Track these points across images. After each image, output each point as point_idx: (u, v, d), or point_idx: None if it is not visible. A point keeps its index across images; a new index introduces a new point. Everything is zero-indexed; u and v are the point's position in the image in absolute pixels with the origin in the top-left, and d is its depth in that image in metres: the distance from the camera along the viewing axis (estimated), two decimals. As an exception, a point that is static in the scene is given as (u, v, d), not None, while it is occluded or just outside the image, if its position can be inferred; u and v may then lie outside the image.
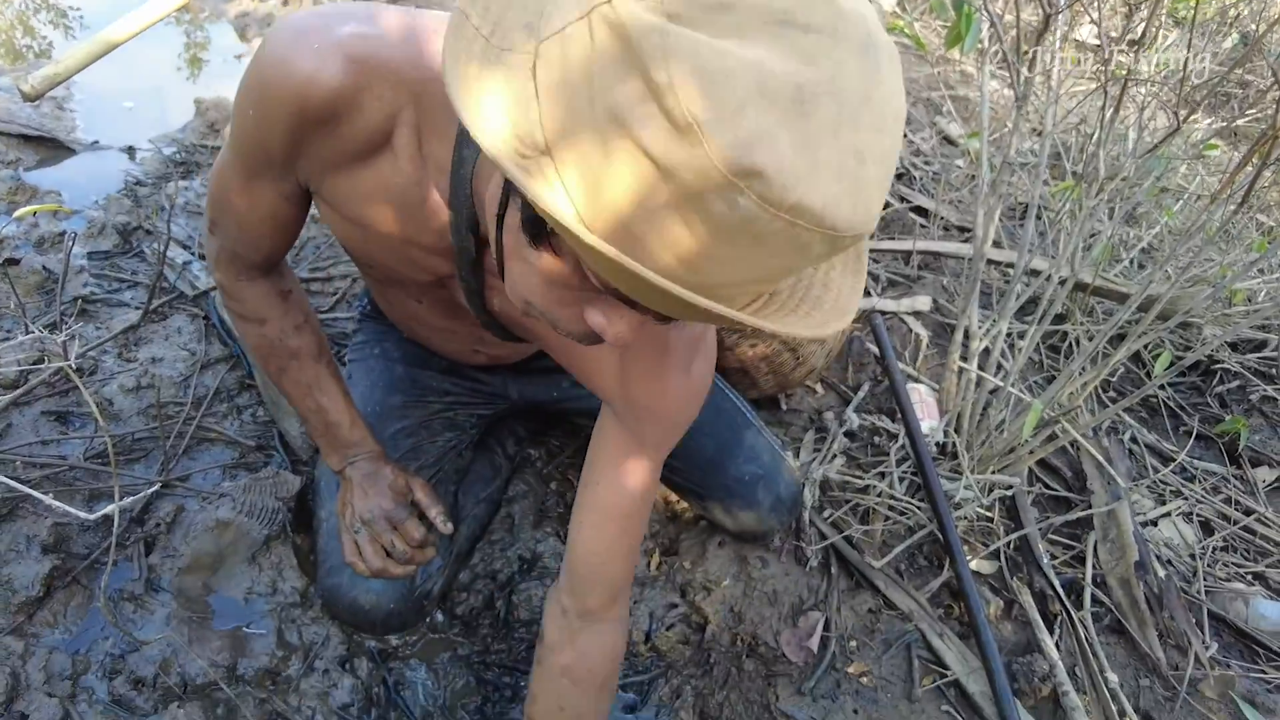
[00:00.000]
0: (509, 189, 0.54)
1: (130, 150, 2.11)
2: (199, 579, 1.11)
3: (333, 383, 1.00)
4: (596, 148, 0.40)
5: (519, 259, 0.55)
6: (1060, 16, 1.31)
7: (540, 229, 0.49)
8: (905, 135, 2.36)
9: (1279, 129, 1.02)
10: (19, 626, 1.02)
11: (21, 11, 2.99)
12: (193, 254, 1.67)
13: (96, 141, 2.14)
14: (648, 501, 0.88)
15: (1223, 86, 2.82)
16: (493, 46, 0.43)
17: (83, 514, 0.66)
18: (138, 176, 1.96)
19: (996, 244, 1.98)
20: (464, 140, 0.66)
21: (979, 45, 1.32)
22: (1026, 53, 1.31)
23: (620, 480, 0.84)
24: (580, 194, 0.41)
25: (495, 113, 0.43)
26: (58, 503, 0.68)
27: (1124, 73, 1.40)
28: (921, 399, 1.49)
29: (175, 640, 1.04)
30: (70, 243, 1.53)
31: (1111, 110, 1.33)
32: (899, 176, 2.21)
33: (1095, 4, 1.32)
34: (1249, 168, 1.27)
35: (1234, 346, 1.87)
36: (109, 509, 0.86)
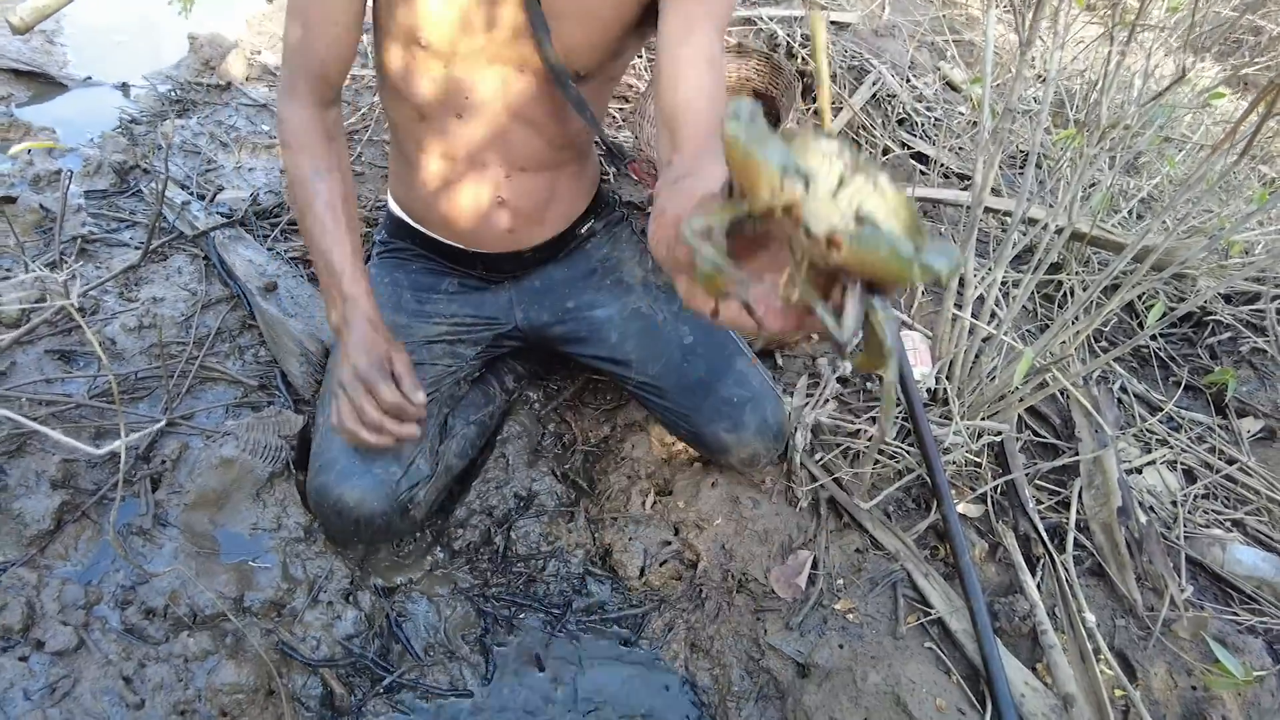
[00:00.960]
0: None
1: (124, 87, 2.08)
2: (205, 514, 1.14)
3: (344, 234, 1.06)
4: None
5: None
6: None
7: None
8: (909, 80, 2.32)
9: (1281, 79, 1.01)
10: (32, 559, 1.06)
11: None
12: (191, 194, 1.66)
13: (89, 77, 2.11)
14: (722, 60, 0.93)
15: (1233, 33, 2.76)
16: None
17: (91, 449, 0.68)
18: (133, 114, 1.94)
19: (996, 192, 1.97)
20: None
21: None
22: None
23: (700, 39, 0.89)
24: None
25: None
26: (66, 438, 0.70)
27: (1131, 18, 1.38)
28: (915, 345, 1.51)
29: (183, 573, 1.08)
30: (67, 181, 1.53)
31: (1117, 57, 1.31)
32: (900, 122, 2.18)
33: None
34: (1253, 117, 1.26)
35: (1227, 298, 1.89)
36: (115, 445, 0.88)
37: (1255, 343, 1.81)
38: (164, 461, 1.18)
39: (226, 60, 2.11)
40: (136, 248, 1.52)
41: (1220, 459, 1.59)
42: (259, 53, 2.21)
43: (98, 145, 1.80)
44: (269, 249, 1.53)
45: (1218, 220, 1.71)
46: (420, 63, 1.05)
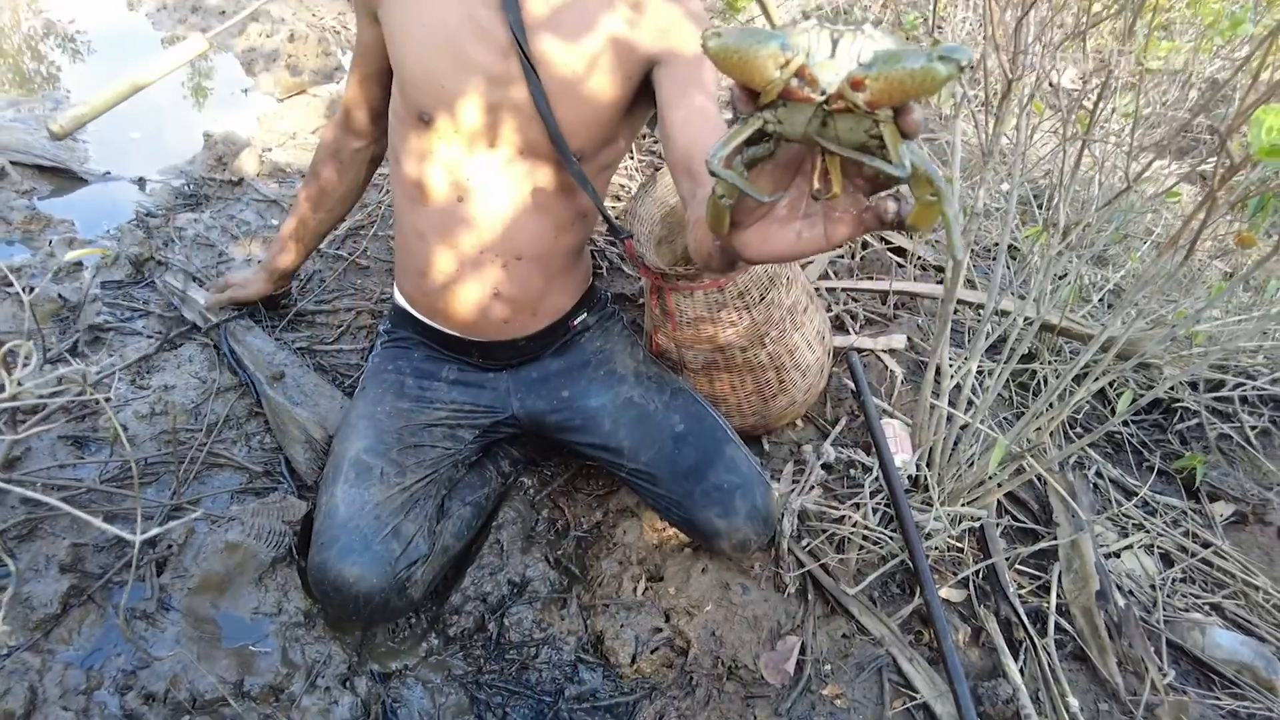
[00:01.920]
0: None
1: (141, 181, 2.19)
2: (208, 599, 1.17)
3: (292, 218, 1.49)
4: None
5: None
6: (1024, 78, 1.41)
7: None
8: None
9: (1216, 194, 1.11)
10: (36, 643, 1.08)
11: (29, 38, 3.07)
12: (199, 282, 1.74)
13: (108, 172, 2.22)
14: (720, 119, 1.06)
15: (1188, 133, 2.94)
16: None
17: (125, 534, 0.71)
18: (148, 208, 2.04)
19: (970, 284, 2.07)
20: None
21: (952, 97, 1.41)
22: (995, 105, 1.40)
23: (696, 99, 1.04)
24: None
25: None
26: (95, 520, 0.74)
27: (1085, 126, 1.50)
28: (895, 434, 1.57)
29: (185, 657, 1.10)
30: (90, 273, 1.60)
31: (1071, 165, 1.42)
32: (879, 218, 2.30)
33: (1055, 67, 1.41)
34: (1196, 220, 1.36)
35: (1194, 385, 1.97)
36: (151, 532, 0.92)
37: (1222, 429, 1.88)
38: (170, 545, 1.21)
39: (240, 157, 2.22)
40: (149, 336, 1.58)
41: (1195, 543, 1.64)
42: (270, 150, 2.33)
43: (115, 237, 1.89)
44: (277, 339, 1.60)
45: (1177, 312, 1.80)
46: (426, 143, 1.14)
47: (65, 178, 2.17)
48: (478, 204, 1.17)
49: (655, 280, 1.39)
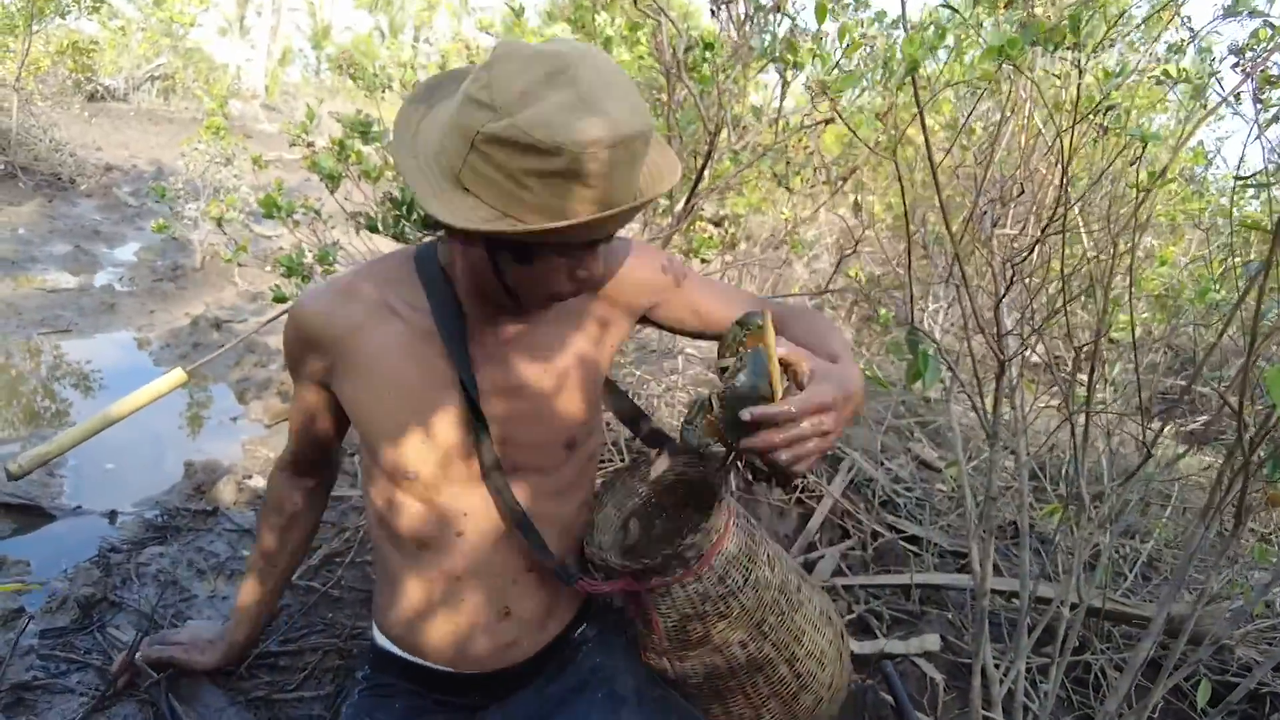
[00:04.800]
0: (491, 250, 0.92)
1: (112, 514, 2.09)
2: None
3: (255, 595, 1.31)
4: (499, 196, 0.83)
5: (524, 277, 0.93)
6: (1016, 357, 1.40)
7: (523, 252, 0.89)
8: (882, 463, 2.41)
9: (1251, 466, 1.04)
10: None
11: (44, 380, 3.16)
12: (148, 629, 1.57)
13: (79, 506, 2.13)
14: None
15: (1166, 395, 2.99)
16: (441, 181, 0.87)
17: None
18: (113, 543, 1.92)
19: (996, 569, 1.92)
20: (421, 264, 1.07)
21: (940, 381, 1.39)
22: (987, 387, 1.38)
23: (701, 297, 1.18)
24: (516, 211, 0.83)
25: (456, 209, 0.84)
26: None
27: (1083, 399, 1.47)
28: (952, 758, 1.33)
29: None
30: (25, 623, 1.44)
31: (1081, 437, 1.37)
32: (884, 504, 2.21)
33: (1039, 344, 1.42)
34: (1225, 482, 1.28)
35: (1277, 668, 1.75)
36: None
37: (1324, 720, 1.63)
38: None
39: (217, 485, 2.16)
40: (81, 695, 1.38)
41: None
42: (250, 477, 2.27)
43: (69, 578, 1.74)
44: (230, 690, 1.40)
45: (1231, 584, 1.65)
46: (412, 495, 1.07)
47: (32, 514, 2.07)
48: (478, 533, 1.09)
49: (628, 589, 1.25)
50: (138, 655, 1.35)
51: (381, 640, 1.20)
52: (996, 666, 1.37)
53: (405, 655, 1.17)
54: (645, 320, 1.21)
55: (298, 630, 1.61)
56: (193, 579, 1.77)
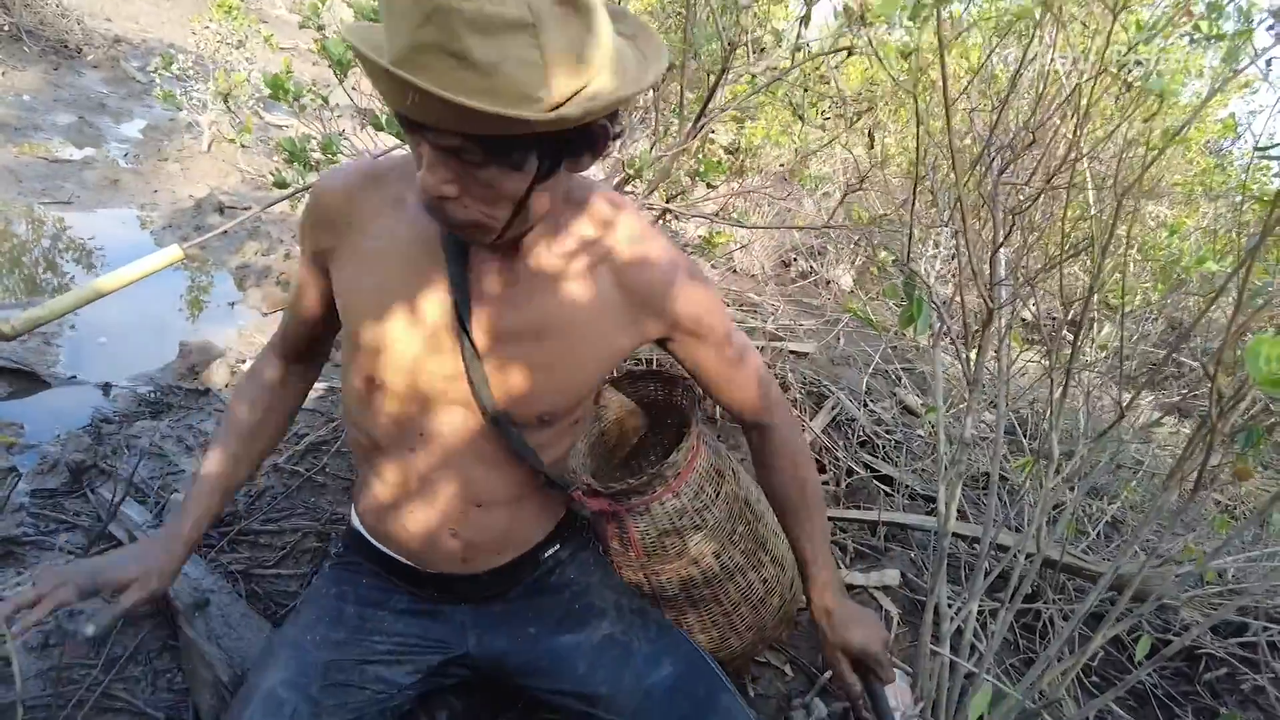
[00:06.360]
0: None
1: (106, 387, 2.13)
2: None
3: (213, 478, 1.14)
4: None
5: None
6: (1004, 309, 1.41)
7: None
8: (866, 404, 2.44)
9: (1216, 427, 1.06)
10: None
11: (46, 251, 3.16)
12: (137, 498, 1.62)
13: (74, 376, 2.16)
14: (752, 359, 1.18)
15: (1163, 368, 3.00)
16: None
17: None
18: (105, 414, 1.96)
19: (962, 515, 1.97)
20: None
21: (930, 328, 1.40)
22: (975, 337, 1.39)
23: (727, 355, 1.13)
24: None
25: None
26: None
27: (1067, 356, 1.49)
28: (894, 685, 1.39)
29: None
30: (15, 480, 1.49)
31: (1059, 394, 1.39)
32: (862, 444, 2.25)
33: (1032, 300, 1.43)
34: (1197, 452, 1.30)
35: (1215, 630, 1.81)
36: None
37: (1255, 680, 1.70)
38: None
39: (211, 367, 2.19)
40: (70, 553, 1.44)
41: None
42: (243, 361, 2.30)
43: (61, 442, 1.79)
44: (210, 560, 1.45)
45: (1184, 550, 1.69)
46: (376, 399, 1.06)
47: (29, 380, 2.11)
48: (429, 456, 1.08)
49: (608, 509, 1.29)
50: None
51: (355, 521, 1.24)
52: (950, 606, 1.42)
53: (375, 543, 1.21)
54: (661, 345, 1.14)
55: (280, 511, 1.66)
56: (181, 454, 1.81)
